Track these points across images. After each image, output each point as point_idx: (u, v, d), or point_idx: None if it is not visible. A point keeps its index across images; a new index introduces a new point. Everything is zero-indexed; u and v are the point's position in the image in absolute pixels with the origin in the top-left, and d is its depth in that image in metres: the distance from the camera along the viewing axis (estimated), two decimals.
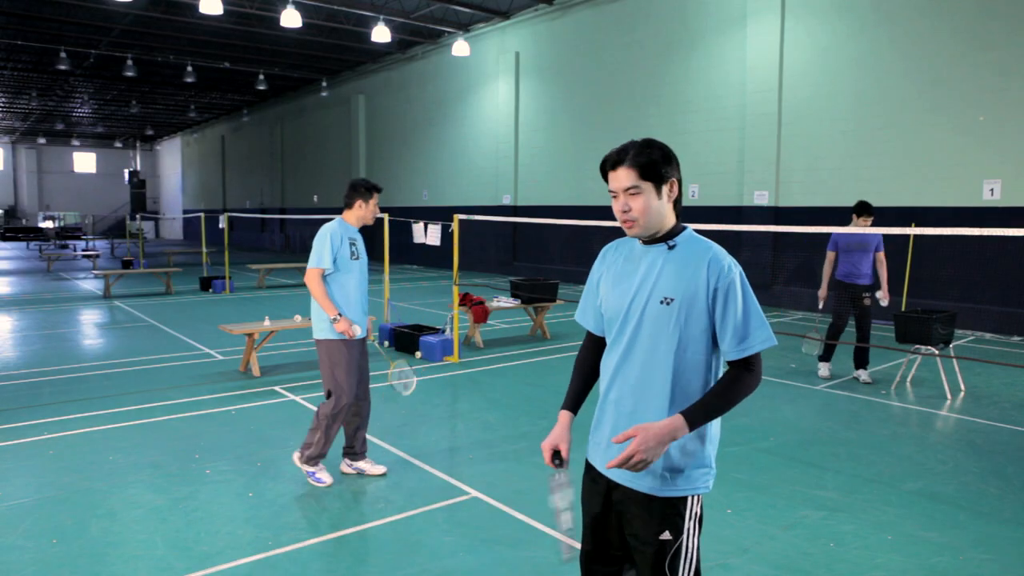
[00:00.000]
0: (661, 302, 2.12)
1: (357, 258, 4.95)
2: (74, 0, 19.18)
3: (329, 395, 4.85)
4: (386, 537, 4.12)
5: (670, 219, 2.18)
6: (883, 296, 7.92)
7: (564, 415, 2.32)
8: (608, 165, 2.16)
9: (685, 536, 2.15)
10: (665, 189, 2.14)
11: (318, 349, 4.89)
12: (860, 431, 6.20)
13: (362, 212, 5.00)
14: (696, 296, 2.10)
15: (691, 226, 2.26)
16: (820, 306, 8.35)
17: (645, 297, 2.16)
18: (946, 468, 5.29)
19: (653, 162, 2.12)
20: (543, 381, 8.04)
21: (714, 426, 2.20)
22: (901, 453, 5.62)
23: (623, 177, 2.12)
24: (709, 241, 2.19)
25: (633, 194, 2.12)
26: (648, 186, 2.12)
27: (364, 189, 4.98)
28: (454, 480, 4.98)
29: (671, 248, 2.17)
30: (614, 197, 2.16)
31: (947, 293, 11.67)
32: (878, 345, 8.90)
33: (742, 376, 2.11)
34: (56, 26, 22.16)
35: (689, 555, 2.16)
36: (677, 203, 2.19)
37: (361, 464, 5.13)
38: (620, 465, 2.00)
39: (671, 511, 2.13)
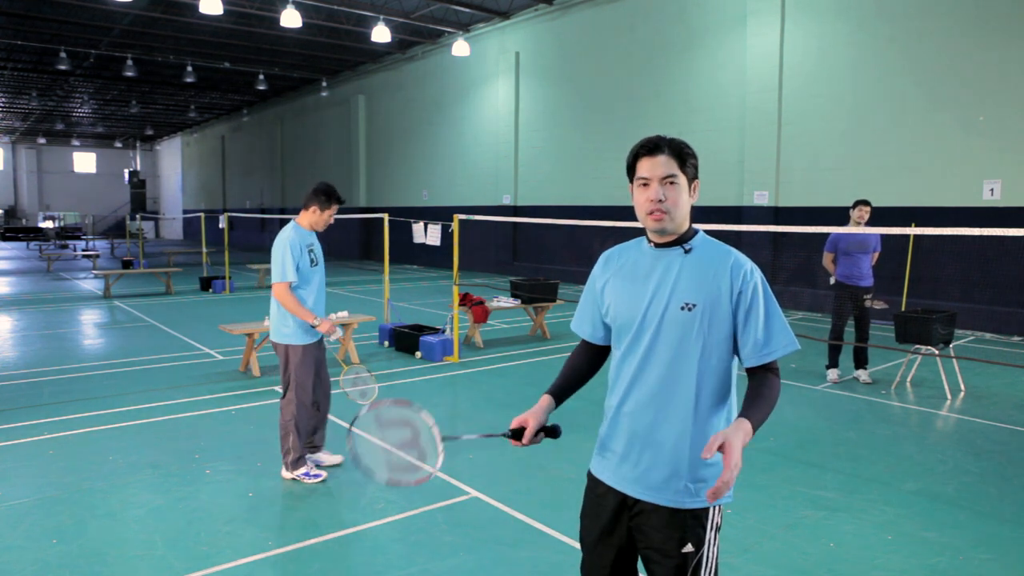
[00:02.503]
0: (682, 308, 2.04)
1: (316, 264, 4.92)
2: (74, 0, 19.17)
3: (286, 393, 4.92)
4: (386, 537, 4.12)
5: (688, 221, 2.12)
6: (879, 303, 7.87)
7: (546, 398, 2.26)
8: (644, 151, 2.07)
9: (706, 547, 2.08)
10: (692, 188, 2.10)
11: (277, 351, 4.93)
12: (860, 431, 6.20)
13: (315, 218, 4.90)
14: (719, 301, 2.03)
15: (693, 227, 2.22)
16: (831, 281, 8.14)
17: (663, 303, 2.07)
18: (946, 468, 5.29)
19: (690, 156, 2.08)
20: (543, 381, 8.04)
21: None
22: (901, 453, 5.62)
23: (663, 164, 2.04)
24: (726, 245, 2.13)
25: (670, 183, 2.04)
26: (683, 179, 2.06)
27: (325, 197, 4.87)
28: (454, 480, 4.97)
29: (687, 252, 2.09)
30: (644, 186, 2.07)
31: (947, 293, 11.67)
32: (878, 345, 8.91)
33: (770, 379, 2.05)
34: (56, 26, 22.14)
35: (710, 565, 2.09)
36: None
37: (319, 456, 5.21)
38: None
39: (694, 523, 2.06)
